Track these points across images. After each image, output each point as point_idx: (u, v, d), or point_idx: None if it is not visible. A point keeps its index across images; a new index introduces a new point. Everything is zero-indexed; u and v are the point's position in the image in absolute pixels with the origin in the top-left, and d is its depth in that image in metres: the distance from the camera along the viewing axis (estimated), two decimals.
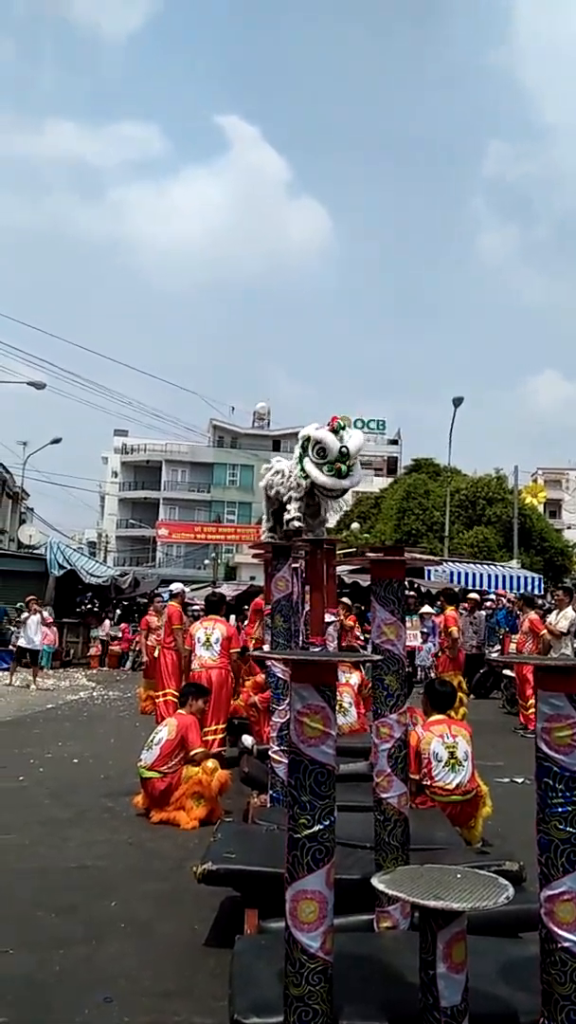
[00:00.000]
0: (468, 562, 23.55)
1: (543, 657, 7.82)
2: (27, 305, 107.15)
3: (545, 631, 10.51)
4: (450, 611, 10.57)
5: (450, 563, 21.73)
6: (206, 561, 49.52)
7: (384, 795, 3.24)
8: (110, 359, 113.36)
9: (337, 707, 2.58)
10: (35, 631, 15.53)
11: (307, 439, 4.65)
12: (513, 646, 13.40)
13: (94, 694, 14.33)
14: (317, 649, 5.04)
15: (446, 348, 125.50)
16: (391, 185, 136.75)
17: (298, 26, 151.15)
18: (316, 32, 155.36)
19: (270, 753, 5.22)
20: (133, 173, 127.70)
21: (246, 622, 11.75)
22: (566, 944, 2.19)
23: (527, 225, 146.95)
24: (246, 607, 13.43)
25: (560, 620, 10.31)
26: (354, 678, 7.73)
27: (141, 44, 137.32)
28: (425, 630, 15.76)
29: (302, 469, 4.69)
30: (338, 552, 5.74)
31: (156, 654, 9.55)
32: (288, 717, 3.00)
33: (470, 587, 19.03)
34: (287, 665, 3.98)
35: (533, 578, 22.61)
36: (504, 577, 21.85)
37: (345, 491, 4.72)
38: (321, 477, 4.58)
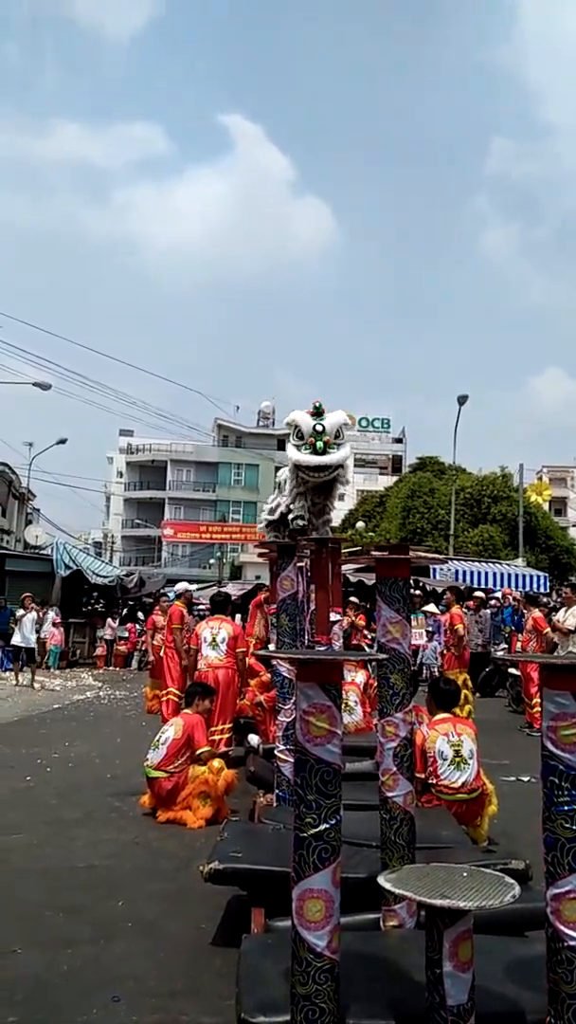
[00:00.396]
0: (473, 560, 23.51)
1: (549, 655, 7.81)
2: (32, 306, 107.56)
3: (548, 629, 10.50)
4: (456, 608, 10.57)
5: (455, 561, 21.68)
6: (211, 560, 49.54)
7: (390, 794, 3.24)
8: (115, 359, 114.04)
9: (343, 706, 2.58)
10: (30, 629, 15.56)
11: (289, 424, 4.69)
12: (519, 644, 13.39)
13: (100, 694, 14.35)
14: (323, 648, 5.04)
15: (450, 346, 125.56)
16: (394, 184, 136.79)
17: (300, 25, 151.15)
18: (318, 31, 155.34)
19: (276, 752, 5.23)
20: (137, 173, 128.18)
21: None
22: (573, 943, 2.18)
23: (530, 223, 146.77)
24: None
25: (568, 617, 10.29)
26: (359, 676, 7.73)
27: (144, 44, 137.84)
28: (430, 628, 15.74)
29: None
30: (343, 551, 5.74)
31: (162, 653, 9.57)
32: (294, 716, 3.00)
33: (475, 585, 19.01)
34: (293, 664, 3.98)
35: (538, 576, 22.56)
36: (509, 575, 21.80)
37: (326, 469, 4.63)
38: (296, 455, 4.60)
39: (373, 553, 3.64)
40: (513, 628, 15.77)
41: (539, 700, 2.43)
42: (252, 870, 3.68)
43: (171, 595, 13.12)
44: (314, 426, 4.54)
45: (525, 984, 2.60)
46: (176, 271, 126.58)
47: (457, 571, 20.70)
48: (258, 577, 25.03)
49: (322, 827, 2.35)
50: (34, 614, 15.88)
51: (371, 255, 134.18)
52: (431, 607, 14.80)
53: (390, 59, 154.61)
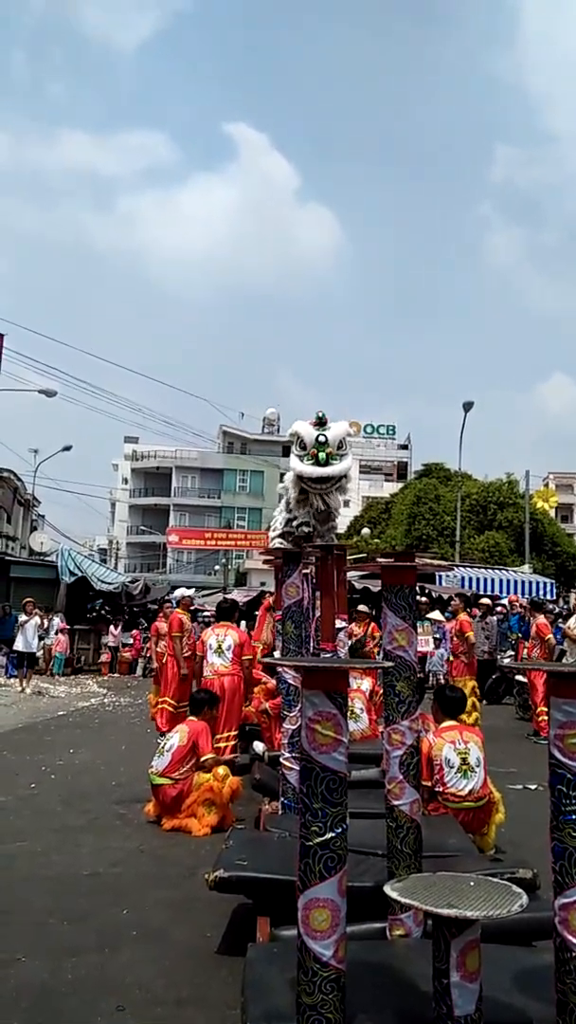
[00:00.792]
0: (479, 567, 23.47)
1: (557, 663, 7.78)
2: (38, 313, 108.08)
3: (550, 636, 10.47)
4: (464, 615, 10.54)
5: (461, 568, 21.66)
6: (216, 567, 49.54)
7: (396, 802, 3.23)
8: (120, 366, 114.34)
9: (348, 713, 2.57)
10: (32, 635, 15.56)
11: (292, 435, 4.71)
12: (526, 651, 13.35)
13: (105, 701, 14.35)
14: (328, 655, 5.03)
15: (455, 353, 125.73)
16: (399, 191, 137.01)
17: (305, 33, 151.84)
18: (323, 39, 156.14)
19: (281, 760, 5.21)
20: (143, 182, 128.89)
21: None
22: None
23: (536, 229, 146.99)
24: (256, 613, 13.41)
25: None
26: (365, 684, 7.71)
27: (150, 54, 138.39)
28: (437, 635, 15.69)
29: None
30: (349, 558, 5.73)
31: (165, 660, 9.56)
32: (299, 724, 2.99)
33: (482, 592, 18.96)
34: (298, 672, 3.97)
35: (545, 583, 22.52)
36: (516, 582, 21.76)
37: (328, 480, 4.66)
38: (300, 466, 4.62)
39: (379, 560, 3.63)
40: (520, 635, 15.71)
41: (544, 708, 2.42)
42: (258, 878, 3.67)
43: (174, 602, 13.09)
44: (317, 437, 4.55)
45: (533, 995, 2.58)
46: (181, 278, 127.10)
47: (463, 578, 20.68)
48: (263, 584, 25.05)
49: (328, 835, 2.35)
50: (37, 620, 15.90)
51: (376, 261, 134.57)
52: (436, 614, 14.75)
53: (394, 66, 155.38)
